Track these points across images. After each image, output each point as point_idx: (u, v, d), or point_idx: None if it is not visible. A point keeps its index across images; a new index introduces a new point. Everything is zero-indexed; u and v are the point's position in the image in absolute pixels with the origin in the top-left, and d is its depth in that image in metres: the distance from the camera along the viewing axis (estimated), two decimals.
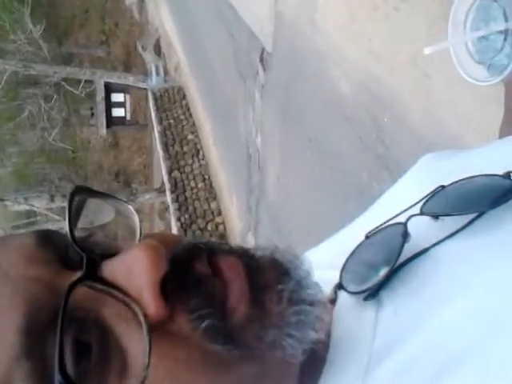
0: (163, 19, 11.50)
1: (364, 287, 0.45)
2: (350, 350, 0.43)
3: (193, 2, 8.62)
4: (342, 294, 0.48)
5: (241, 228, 7.05)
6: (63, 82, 12.53)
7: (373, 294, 0.45)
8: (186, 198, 8.44)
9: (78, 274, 0.35)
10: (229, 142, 7.40)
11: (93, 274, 0.35)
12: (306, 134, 4.52)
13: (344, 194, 3.80)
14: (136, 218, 0.40)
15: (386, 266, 0.44)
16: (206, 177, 8.71)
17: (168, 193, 8.62)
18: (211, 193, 8.49)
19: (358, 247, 0.51)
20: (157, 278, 0.35)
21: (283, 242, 5.28)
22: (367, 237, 0.51)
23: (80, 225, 0.39)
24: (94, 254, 0.36)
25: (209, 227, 8.08)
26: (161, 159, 9.21)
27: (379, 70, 3.35)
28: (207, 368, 0.36)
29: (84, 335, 0.34)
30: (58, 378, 0.31)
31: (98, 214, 0.41)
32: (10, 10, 12.35)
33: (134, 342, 0.34)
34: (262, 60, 5.42)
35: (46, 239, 0.37)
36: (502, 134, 0.73)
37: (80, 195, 0.39)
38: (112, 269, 0.35)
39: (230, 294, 0.37)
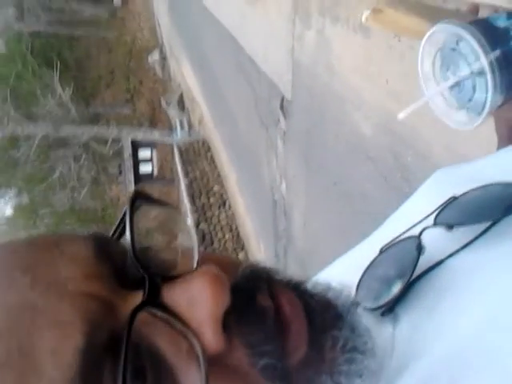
0: (185, 75, 11.86)
1: (380, 303, 0.45)
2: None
3: (213, 58, 8.89)
4: (359, 311, 0.46)
5: None
6: (91, 142, 12.91)
7: (389, 309, 0.45)
8: (213, 250, 8.43)
9: (137, 295, 0.33)
10: (254, 190, 7.43)
11: (154, 300, 0.33)
12: (330, 177, 4.51)
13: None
14: (193, 234, 0.39)
15: (401, 280, 0.44)
16: (233, 227, 8.72)
17: None
18: (239, 243, 8.48)
19: (372, 262, 0.51)
20: (220, 312, 0.33)
21: None
22: (381, 251, 0.51)
23: (139, 232, 0.36)
24: (155, 276, 0.34)
25: None
26: (188, 212, 9.29)
27: (398, 110, 3.34)
28: None
29: (139, 361, 0.32)
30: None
31: (153, 222, 0.39)
32: (40, 76, 12.95)
33: (190, 375, 0.33)
34: (282, 107, 5.50)
35: (104, 252, 0.35)
36: None
37: (138, 201, 0.37)
38: (174, 296, 0.34)
39: (290, 334, 0.36)
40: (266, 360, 0.34)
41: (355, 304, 0.46)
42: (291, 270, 6.06)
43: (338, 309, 0.39)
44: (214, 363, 0.33)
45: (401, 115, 0.63)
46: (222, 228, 8.76)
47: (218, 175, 9.64)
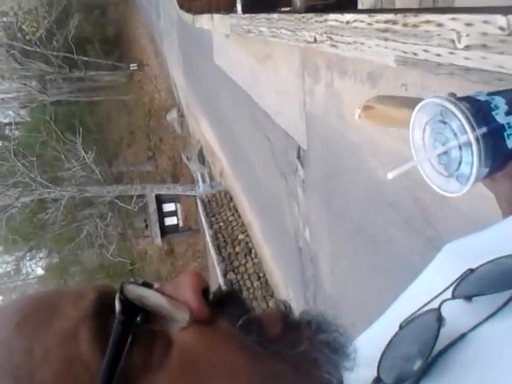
0: (203, 131, 12.12)
1: (403, 378, 0.44)
2: None
3: (229, 113, 9.12)
4: None
5: None
6: (116, 200, 13.15)
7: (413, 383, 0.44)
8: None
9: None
10: (278, 237, 7.45)
11: (146, 284, 0.44)
12: (352, 222, 4.54)
13: (401, 279, 3.72)
14: None
15: (423, 355, 0.43)
16: (261, 275, 8.68)
17: None
18: (268, 290, 8.42)
19: (392, 339, 0.50)
20: (199, 285, 0.43)
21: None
22: (401, 327, 0.51)
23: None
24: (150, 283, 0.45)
25: None
26: (215, 262, 9.31)
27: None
28: (244, 352, 0.41)
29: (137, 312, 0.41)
30: (118, 302, 0.41)
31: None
32: (64, 142, 13.37)
33: (183, 314, 0.42)
34: (299, 157, 5.60)
35: (106, 303, 0.45)
36: None
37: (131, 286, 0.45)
38: (162, 287, 0.44)
39: (266, 318, 0.44)
40: (243, 319, 0.43)
41: (375, 382, 0.48)
42: None
43: (312, 320, 0.46)
44: (199, 322, 0.42)
45: (390, 175, 0.67)
46: (249, 276, 8.72)
47: (242, 224, 9.69)
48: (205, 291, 0.44)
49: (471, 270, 0.51)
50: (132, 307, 0.41)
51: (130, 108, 19.32)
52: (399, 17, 1.80)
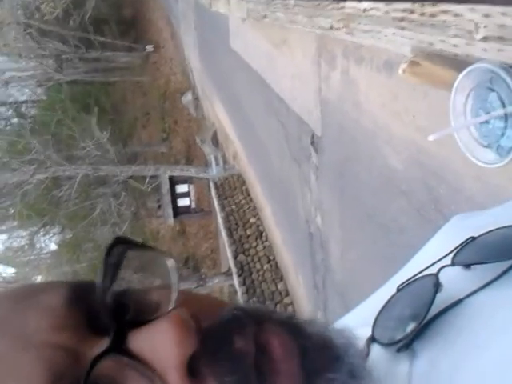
0: (218, 114, 12.11)
1: (396, 338, 0.44)
2: None
3: (243, 97, 9.11)
4: (375, 347, 0.47)
5: (310, 308, 6.96)
6: (130, 180, 13.23)
7: (406, 345, 0.44)
8: (252, 281, 8.45)
9: (105, 343, 0.34)
10: (290, 222, 7.48)
11: (119, 347, 0.34)
12: (364, 210, 4.54)
13: None
14: (174, 277, 0.38)
15: (417, 318, 0.44)
16: (271, 258, 8.74)
17: (235, 276, 8.70)
18: (277, 273, 8.48)
19: (389, 300, 0.51)
20: (183, 359, 0.34)
21: None
22: (398, 290, 0.51)
23: (119, 277, 0.37)
24: (123, 323, 0.35)
25: (278, 309, 7.99)
26: (226, 244, 9.38)
27: (427, 144, 3.40)
28: None
29: None
30: None
31: (139, 267, 0.39)
32: (79, 121, 13.45)
33: None
34: (313, 143, 5.59)
35: (78, 299, 0.37)
36: None
37: (119, 247, 0.37)
38: (139, 342, 0.34)
39: (280, 375, 0.35)
40: None
41: (369, 340, 0.47)
42: (331, 301, 6.07)
43: (336, 350, 0.38)
44: None
45: (431, 137, 0.63)
46: (259, 259, 8.78)
47: (254, 208, 9.73)
48: (194, 354, 0.35)
49: (473, 238, 0.51)
50: None
51: (146, 89, 19.33)
52: (416, 6, 1.79)
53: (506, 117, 0.60)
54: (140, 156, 16.95)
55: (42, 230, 16.48)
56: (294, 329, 0.38)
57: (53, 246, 18.40)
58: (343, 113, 4.57)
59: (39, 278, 17.33)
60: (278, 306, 8.02)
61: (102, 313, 0.35)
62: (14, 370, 0.32)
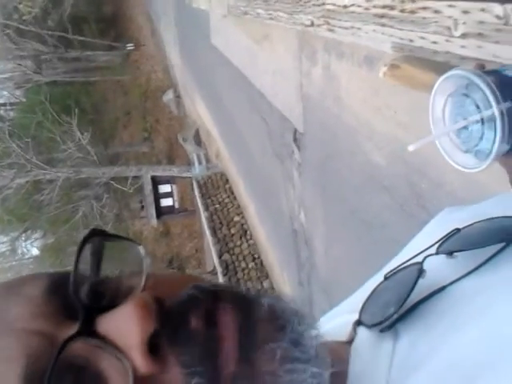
0: (199, 112, 12.07)
1: (379, 319, 0.47)
2: (367, 380, 0.45)
3: (225, 94, 9.08)
4: (361, 330, 0.50)
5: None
6: (112, 181, 13.11)
7: (389, 326, 0.47)
8: (238, 280, 8.43)
9: (77, 327, 0.38)
10: (274, 219, 7.49)
11: (88, 330, 0.38)
12: (347, 206, 4.56)
13: None
14: (145, 263, 0.42)
15: (399, 302, 0.47)
16: (256, 256, 8.74)
17: (220, 276, 8.68)
18: (262, 272, 8.48)
19: (376, 288, 0.54)
20: (144, 337, 0.37)
21: None
22: (386, 278, 0.54)
23: (96, 266, 0.42)
24: (92, 308, 0.39)
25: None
26: (210, 243, 9.36)
27: (409, 140, 3.41)
28: None
29: (84, 381, 0.37)
30: None
31: (114, 256, 0.44)
32: (60, 123, 13.28)
33: None
34: (295, 140, 5.60)
35: (57, 288, 0.40)
36: None
37: (96, 239, 0.42)
38: (105, 325, 0.38)
39: (221, 352, 0.38)
40: (197, 380, 0.37)
41: (355, 323, 0.51)
42: (317, 297, 6.08)
43: (281, 321, 0.41)
44: (148, 382, 0.37)
45: (411, 147, 0.64)
46: (244, 258, 8.77)
47: (238, 206, 9.71)
48: (155, 333, 0.38)
49: (458, 230, 0.54)
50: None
51: (126, 88, 19.17)
52: (397, 2, 1.79)
53: (482, 121, 0.61)
54: (122, 157, 16.79)
55: (23, 235, 16.28)
56: (244, 303, 0.42)
57: (35, 251, 18.20)
58: (325, 109, 4.58)
59: None
60: (270, 295, 7.99)
61: (74, 299, 0.38)
62: None
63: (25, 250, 17.69)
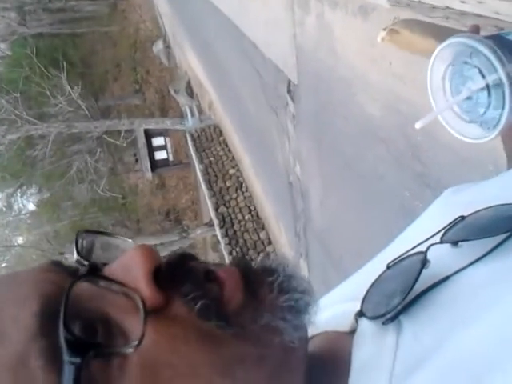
0: (190, 62, 11.83)
1: (382, 311, 0.47)
2: (370, 374, 0.44)
3: (216, 44, 8.87)
4: (363, 321, 0.49)
5: (292, 255, 7.08)
6: (104, 135, 13.01)
7: (392, 318, 0.46)
8: (235, 232, 8.53)
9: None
10: (269, 172, 7.48)
11: (94, 273, 0.41)
12: (343, 158, 4.55)
13: (389, 214, 3.79)
14: (129, 243, 0.46)
15: (404, 292, 0.46)
16: (252, 208, 8.79)
17: (217, 228, 8.76)
18: (259, 223, 8.56)
19: (378, 277, 0.53)
20: (150, 268, 0.39)
21: (335, 267, 5.28)
22: (388, 267, 0.53)
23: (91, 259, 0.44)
24: (96, 263, 0.42)
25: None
26: (206, 196, 9.39)
27: (404, 91, 3.36)
28: (203, 343, 0.39)
29: (90, 322, 0.38)
30: (62, 333, 0.36)
31: (106, 251, 0.46)
32: (48, 77, 13.00)
33: (135, 323, 0.38)
34: (289, 92, 5.51)
35: (59, 263, 0.44)
36: None
37: (88, 235, 0.45)
38: (111, 268, 0.41)
39: (225, 286, 0.41)
40: (200, 303, 0.39)
41: (357, 314, 0.50)
42: (312, 248, 6.17)
43: (272, 266, 0.44)
44: (155, 315, 0.38)
45: (418, 125, 0.61)
46: (240, 210, 8.83)
47: (233, 159, 9.68)
48: (158, 269, 0.40)
49: (462, 217, 0.52)
50: (82, 342, 0.37)
51: (115, 40, 18.69)
52: None
53: (488, 88, 0.57)
54: (113, 110, 16.59)
55: (18, 190, 16.27)
56: (235, 261, 0.45)
57: (31, 207, 18.26)
58: (319, 59, 4.49)
59: (20, 239, 17.29)
60: (261, 254, 8.12)
61: (79, 261, 0.42)
62: (11, 297, 0.40)
63: (21, 205, 17.74)
